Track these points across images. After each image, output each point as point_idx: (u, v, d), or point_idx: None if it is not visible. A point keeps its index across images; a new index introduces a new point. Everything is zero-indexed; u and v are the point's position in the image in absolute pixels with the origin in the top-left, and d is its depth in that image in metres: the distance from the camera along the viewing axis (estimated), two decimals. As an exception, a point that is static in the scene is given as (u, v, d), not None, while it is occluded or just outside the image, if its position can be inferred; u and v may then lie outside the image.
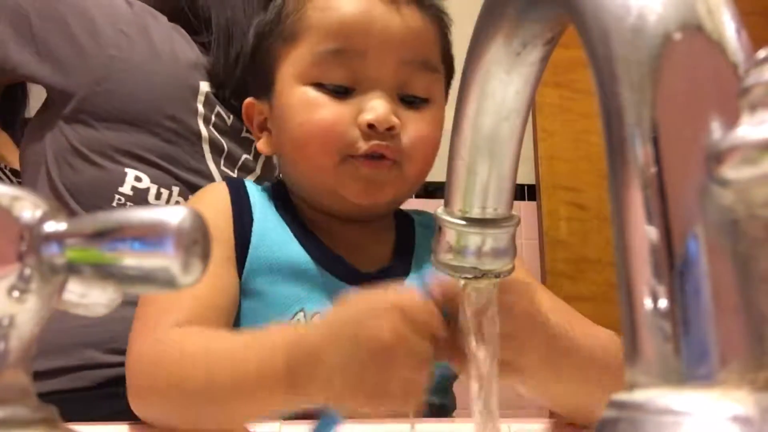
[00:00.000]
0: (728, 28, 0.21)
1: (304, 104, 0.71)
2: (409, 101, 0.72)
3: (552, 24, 0.31)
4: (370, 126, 0.68)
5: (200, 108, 1.06)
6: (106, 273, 0.24)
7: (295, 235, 0.73)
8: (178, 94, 1.05)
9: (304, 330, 0.56)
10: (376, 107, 0.69)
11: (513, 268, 0.38)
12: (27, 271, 0.24)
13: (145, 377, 0.61)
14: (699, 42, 0.21)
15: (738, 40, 0.21)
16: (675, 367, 0.20)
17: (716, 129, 0.20)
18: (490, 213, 0.36)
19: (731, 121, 0.20)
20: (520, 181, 1.99)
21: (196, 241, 0.23)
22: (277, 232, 0.72)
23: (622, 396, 0.21)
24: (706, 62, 0.21)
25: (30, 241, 0.24)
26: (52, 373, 0.87)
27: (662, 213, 0.20)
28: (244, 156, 1.12)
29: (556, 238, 2.03)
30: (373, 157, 0.69)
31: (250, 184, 0.77)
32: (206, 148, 1.07)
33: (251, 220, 0.72)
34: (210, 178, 1.06)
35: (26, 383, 0.25)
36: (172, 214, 0.23)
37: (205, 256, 0.23)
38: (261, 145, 0.79)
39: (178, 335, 0.61)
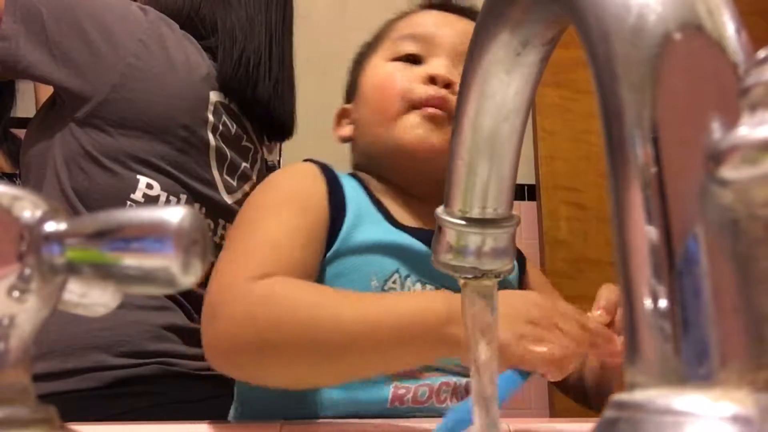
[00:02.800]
0: (728, 28, 0.21)
1: (382, 73, 0.85)
2: None
3: (552, 24, 0.31)
4: (432, 80, 0.80)
5: (210, 117, 1.07)
6: (106, 273, 0.24)
7: (382, 214, 0.80)
8: (192, 105, 1.05)
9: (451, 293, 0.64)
10: (438, 65, 0.82)
11: (513, 268, 0.38)
12: (27, 271, 0.24)
13: (254, 333, 0.61)
14: (699, 42, 0.21)
15: (738, 40, 0.21)
16: (675, 367, 0.20)
17: (716, 129, 0.20)
18: (490, 213, 0.36)
19: (731, 121, 0.20)
20: (520, 181, 1.99)
21: (196, 241, 0.23)
22: (370, 214, 0.79)
23: (622, 396, 0.21)
24: (706, 62, 0.21)
25: (30, 241, 0.24)
26: (65, 374, 0.89)
27: (662, 213, 0.20)
28: (243, 164, 1.13)
29: (556, 238, 2.03)
30: (432, 104, 0.80)
31: (337, 172, 0.84)
32: (212, 156, 1.08)
33: (344, 198, 0.77)
34: (213, 186, 1.07)
35: (26, 383, 0.25)
36: (172, 214, 0.23)
37: (205, 256, 0.23)
38: (342, 131, 0.90)
39: (286, 288, 0.64)
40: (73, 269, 0.24)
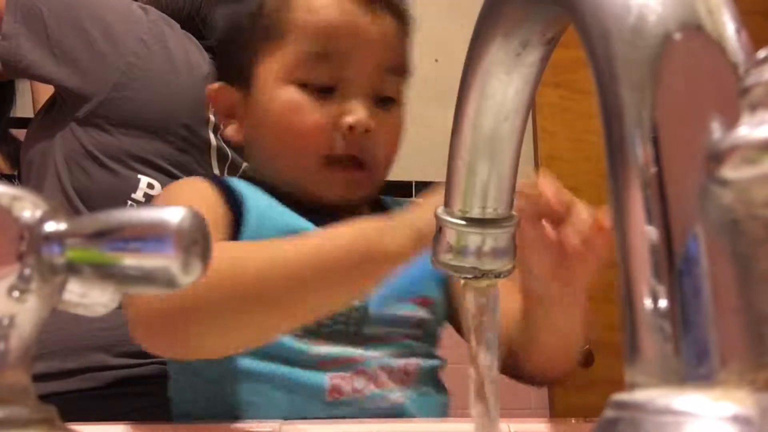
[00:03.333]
0: (728, 28, 0.21)
1: (289, 105, 0.75)
2: (381, 103, 0.77)
3: (552, 24, 0.31)
4: (350, 128, 0.73)
5: (211, 117, 1.07)
6: (106, 273, 0.24)
7: (290, 209, 0.75)
8: (193, 104, 1.05)
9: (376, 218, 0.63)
10: (357, 110, 0.74)
11: (513, 268, 0.38)
12: (27, 271, 0.24)
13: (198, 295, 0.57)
14: (699, 42, 0.21)
15: (738, 40, 0.21)
16: (675, 367, 0.20)
17: (716, 129, 0.20)
18: (490, 213, 0.36)
19: (731, 121, 0.20)
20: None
21: (195, 241, 0.23)
22: (274, 209, 0.74)
23: (622, 396, 0.21)
24: (706, 62, 0.21)
25: (30, 241, 0.24)
26: (65, 374, 0.90)
27: (662, 213, 0.20)
28: (245, 164, 1.13)
29: (556, 238, 2.03)
30: (349, 161, 0.75)
31: (225, 177, 0.79)
32: (213, 155, 1.08)
33: (242, 202, 0.73)
34: None
35: (26, 383, 0.25)
36: (172, 214, 0.23)
37: (205, 256, 0.23)
38: (231, 132, 0.81)
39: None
40: (73, 269, 0.24)
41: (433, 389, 0.76)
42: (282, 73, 0.76)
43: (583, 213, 0.61)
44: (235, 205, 0.72)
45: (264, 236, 0.69)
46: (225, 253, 0.60)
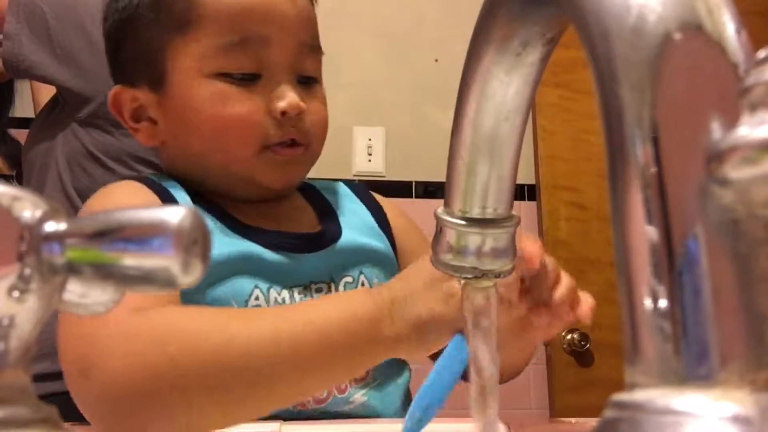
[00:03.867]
0: (728, 28, 0.21)
1: (214, 97, 0.71)
2: (303, 82, 0.75)
3: (552, 24, 0.31)
4: (283, 113, 0.71)
5: None
6: (106, 273, 0.24)
7: (226, 225, 0.72)
8: None
9: (371, 289, 0.59)
10: (287, 95, 0.72)
11: (513, 268, 0.38)
12: (27, 271, 0.24)
13: (155, 377, 0.50)
14: (699, 42, 0.21)
15: (738, 40, 0.21)
16: (675, 367, 0.20)
17: (716, 129, 0.20)
18: (490, 213, 0.36)
19: (731, 121, 0.20)
20: (520, 181, 1.99)
21: (196, 241, 0.23)
22: (213, 229, 0.70)
23: (622, 396, 0.21)
24: (706, 62, 0.21)
25: (30, 241, 0.24)
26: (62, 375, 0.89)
27: (662, 213, 0.20)
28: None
29: (556, 238, 2.03)
30: (286, 144, 0.73)
31: (166, 183, 0.74)
32: None
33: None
34: None
35: (26, 383, 0.25)
36: (172, 214, 0.23)
37: (205, 256, 0.23)
38: (143, 136, 0.77)
39: (164, 315, 0.54)
40: (73, 269, 0.24)
41: (394, 373, 0.75)
42: (201, 67, 0.71)
43: (566, 279, 0.59)
44: None
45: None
46: (209, 324, 0.54)
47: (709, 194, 0.20)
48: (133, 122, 0.77)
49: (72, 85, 1.01)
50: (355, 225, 0.80)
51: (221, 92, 0.71)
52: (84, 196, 0.99)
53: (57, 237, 0.24)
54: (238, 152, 0.72)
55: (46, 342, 0.90)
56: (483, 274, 0.37)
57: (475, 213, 0.36)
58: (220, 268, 0.67)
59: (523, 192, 2.08)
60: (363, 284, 0.75)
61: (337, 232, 0.77)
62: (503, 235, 0.37)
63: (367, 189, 0.89)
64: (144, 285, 0.24)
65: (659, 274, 0.20)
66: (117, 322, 0.52)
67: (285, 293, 0.69)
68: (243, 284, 0.68)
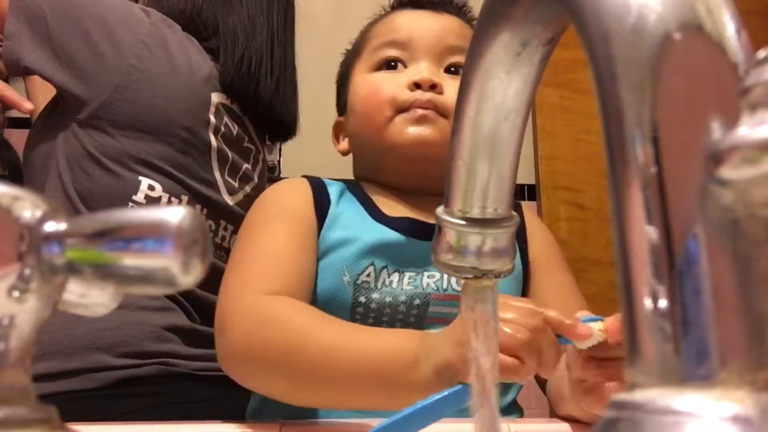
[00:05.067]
0: (728, 28, 0.21)
1: (368, 84, 0.87)
2: (454, 71, 0.86)
3: (552, 24, 0.31)
4: (417, 85, 0.83)
5: (212, 119, 1.07)
6: (106, 273, 0.24)
7: (368, 211, 0.83)
8: (193, 106, 1.06)
9: (421, 333, 0.65)
10: (420, 70, 0.84)
11: (513, 268, 0.38)
12: (27, 271, 0.24)
13: (248, 335, 0.67)
14: (699, 42, 0.21)
15: (738, 40, 0.21)
16: (675, 367, 0.20)
17: (716, 129, 0.20)
18: (490, 213, 0.36)
19: (731, 121, 0.20)
20: (520, 181, 1.99)
21: (195, 241, 0.23)
22: (352, 212, 0.82)
23: (622, 396, 0.21)
24: (706, 62, 0.21)
25: (30, 241, 0.24)
26: (67, 374, 0.91)
27: (662, 213, 0.20)
28: (245, 165, 1.13)
29: (556, 238, 2.02)
30: (420, 107, 0.82)
31: (326, 180, 0.87)
32: (214, 157, 1.08)
33: (328, 203, 0.82)
34: (215, 187, 1.07)
35: (26, 383, 0.25)
36: (172, 214, 0.23)
37: (205, 256, 0.23)
38: (341, 147, 0.94)
39: (280, 304, 0.68)
40: (73, 269, 0.24)
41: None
42: (363, 69, 0.89)
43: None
44: (322, 207, 0.81)
45: (329, 240, 0.78)
46: (299, 324, 0.67)
47: (709, 194, 0.20)
48: (338, 141, 0.95)
49: (72, 86, 1.01)
50: None
51: (370, 79, 0.87)
52: (84, 197, 0.99)
53: (57, 237, 0.24)
54: (376, 119, 0.84)
55: (48, 342, 0.90)
56: (483, 274, 0.37)
57: (475, 213, 0.36)
58: (342, 243, 0.79)
59: (523, 192, 2.08)
60: None
61: None
62: (503, 235, 0.36)
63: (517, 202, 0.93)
64: (144, 285, 0.24)
65: (659, 274, 0.20)
66: (250, 301, 0.69)
67: (395, 276, 0.78)
68: (359, 258, 0.78)
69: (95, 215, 0.25)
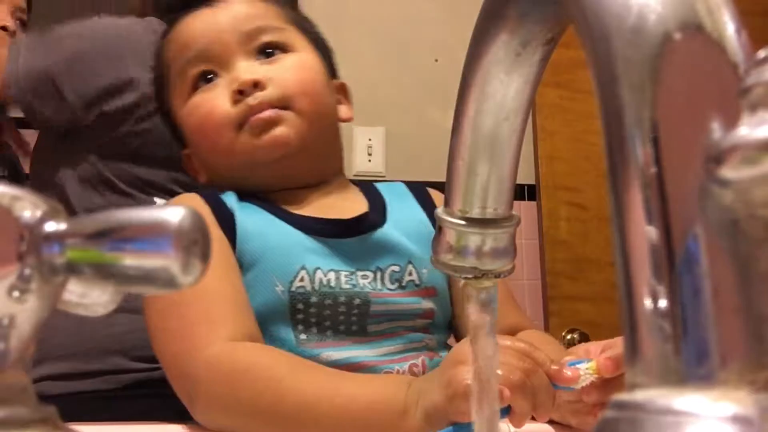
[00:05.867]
0: (728, 28, 0.21)
1: (192, 111, 0.81)
2: (269, 54, 0.82)
3: (552, 24, 0.31)
4: (241, 92, 0.77)
5: None
6: (106, 273, 0.24)
7: (274, 214, 0.77)
8: None
9: (406, 378, 0.64)
10: (236, 74, 0.79)
11: (513, 268, 0.38)
12: (27, 271, 0.24)
13: (222, 396, 0.63)
14: (699, 42, 0.21)
15: (738, 40, 0.21)
16: (675, 367, 0.20)
17: (716, 129, 0.20)
18: (490, 213, 0.36)
19: (731, 121, 0.20)
20: (520, 181, 1.99)
21: (196, 241, 0.23)
22: (258, 218, 0.76)
23: (622, 396, 0.21)
24: (706, 62, 0.21)
25: (30, 241, 0.24)
26: (86, 375, 0.94)
27: (662, 213, 0.20)
28: None
29: (556, 238, 2.03)
30: (259, 113, 0.77)
31: (218, 192, 0.81)
32: None
33: (232, 215, 0.76)
34: None
35: (26, 383, 0.25)
36: (172, 214, 0.23)
37: (205, 256, 0.23)
38: (202, 179, 0.87)
39: (248, 354, 0.65)
40: (73, 269, 0.24)
41: None
42: (179, 98, 0.83)
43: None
44: (227, 223, 0.75)
45: (248, 253, 0.73)
46: (269, 368, 0.64)
47: (709, 194, 0.20)
48: (197, 174, 0.88)
49: (87, 122, 1.04)
50: (401, 220, 0.82)
51: (192, 105, 0.81)
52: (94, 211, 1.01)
53: (57, 237, 0.24)
54: (220, 142, 0.79)
55: (68, 343, 0.92)
56: (483, 274, 0.37)
57: (475, 213, 0.36)
58: (265, 253, 0.73)
59: (523, 192, 2.07)
60: (411, 273, 0.77)
61: (381, 222, 0.80)
62: (503, 235, 0.36)
63: (424, 188, 0.91)
64: (144, 285, 0.24)
65: (659, 274, 0.20)
66: (211, 354, 0.64)
67: (332, 275, 0.74)
68: (288, 265, 0.73)
69: (95, 215, 0.25)
